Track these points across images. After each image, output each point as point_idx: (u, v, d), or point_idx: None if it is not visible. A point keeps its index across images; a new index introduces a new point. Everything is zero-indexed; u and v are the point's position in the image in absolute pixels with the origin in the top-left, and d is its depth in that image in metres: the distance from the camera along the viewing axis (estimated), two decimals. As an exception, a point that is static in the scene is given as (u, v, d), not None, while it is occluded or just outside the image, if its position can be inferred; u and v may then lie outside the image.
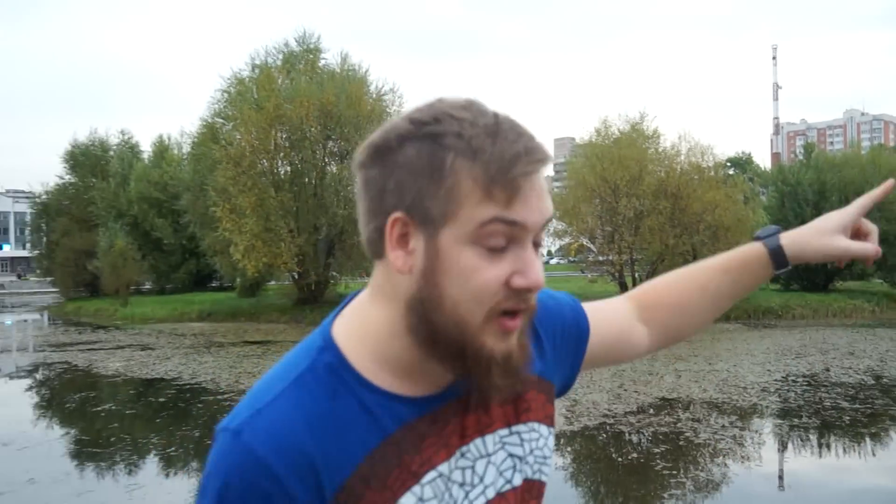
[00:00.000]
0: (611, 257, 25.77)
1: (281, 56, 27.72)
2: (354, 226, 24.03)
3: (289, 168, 26.29)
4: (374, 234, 0.88)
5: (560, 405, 10.71)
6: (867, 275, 32.77)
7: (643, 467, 7.70)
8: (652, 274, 25.97)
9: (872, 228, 1.20)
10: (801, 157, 44.78)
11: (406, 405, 0.90)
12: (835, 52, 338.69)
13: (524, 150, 0.83)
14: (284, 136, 25.52)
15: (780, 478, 7.58)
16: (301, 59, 27.88)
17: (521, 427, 1.00)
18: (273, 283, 27.85)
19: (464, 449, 0.93)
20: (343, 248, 25.69)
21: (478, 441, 0.95)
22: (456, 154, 0.82)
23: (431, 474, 0.90)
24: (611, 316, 1.23)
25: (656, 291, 1.28)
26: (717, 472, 7.55)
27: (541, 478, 1.03)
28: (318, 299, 25.84)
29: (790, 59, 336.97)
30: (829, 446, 8.65)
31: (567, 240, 29.81)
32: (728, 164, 43.12)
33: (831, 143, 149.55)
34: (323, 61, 28.31)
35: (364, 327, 0.93)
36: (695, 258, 26.18)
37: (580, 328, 1.15)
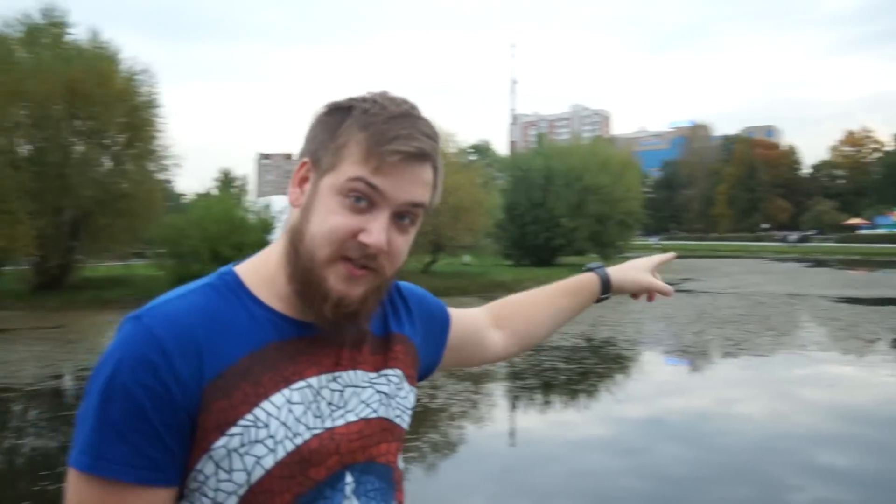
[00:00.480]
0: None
1: (24, 28, 25.33)
2: (102, 207, 22.31)
3: (31, 147, 24.21)
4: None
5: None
6: (584, 251, 36.18)
7: None
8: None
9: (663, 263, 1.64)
10: (534, 146, 48.13)
11: (289, 324, 1.06)
12: (564, 52, 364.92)
13: (404, 137, 1.01)
14: (26, 114, 23.45)
15: (511, 435, 8.05)
16: (46, 34, 25.64)
17: (388, 371, 1.15)
18: (10, 268, 25.61)
19: (336, 374, 1.07)
20: (89, 230, 24.09)
21: (350, 372, 1.09)
22: (353, 121, 1.02)
23: (301, 383, 1.03)
24: (469, 317, 1.45)
25: (510, 306, 1.52)
26: (454, 434, 7.87)
27: (401, 424, 1.17)
28: (60, 284, 24.09)
29: (526, 57, 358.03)
30: (550, 403, 9.47)
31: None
32: (470, 150, 45.34)
33: (559, 133, 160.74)
34: (70, 37, 26.23)
35: (263, 260, 1.11)
36: (437, 237, 27.66)
37: (444, 318, 1.37)
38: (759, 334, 14.45)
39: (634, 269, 1.57)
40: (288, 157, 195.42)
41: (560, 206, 34.84)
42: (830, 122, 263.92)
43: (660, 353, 13.49)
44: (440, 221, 26.41)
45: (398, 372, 1.17)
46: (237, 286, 1.07)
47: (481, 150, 72.22)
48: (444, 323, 1.36)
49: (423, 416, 8.39)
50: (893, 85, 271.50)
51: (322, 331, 1.06)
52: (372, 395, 1.11)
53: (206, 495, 0.99)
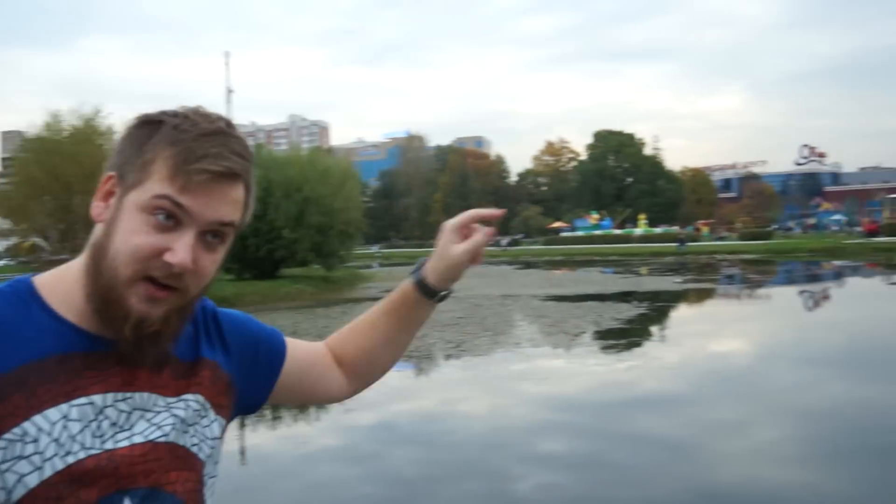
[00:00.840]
0: (65, 256, 24.35)
1: None
2: None
3: None
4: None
5: None
6: (308, 262, 36.15)
7: None
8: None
9: (470, 218, 1.28)
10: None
11: (79, 336, 1.00)
12: (279, 63, 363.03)
13: (213, 156, 0.98)
14: None
15: (242, 453, 7.76)
16: None
17: (188, 396, 1.08)
18: None
19: (127, 395, 1.01)
20: None
21: (144, 395, 1.03)
22: (161, 137, 0.98)
23: (83, 400, 0.97)
24: (308, 350, 1.35)
25: (341, 337, 1.37)
26: None
27: (198, 454, 1.08)
28: None
29: (242, 66, 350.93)
30: (280, 418, 9.20)
31: (14, 239, 27.30)
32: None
33: (278, 143, 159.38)
34: None
35: (62, 271, 1.07)
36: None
37: (276, 348, 1.28)
38: (478, 335, 15.20)
39: (442, 250, 1.27)
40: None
41: (280, 218, 34.42)
42: (533, 133, 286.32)
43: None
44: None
45: (199, 398, 1.10)
46: (29, 294, 1.02)
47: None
48: (275, 354, 1.28)
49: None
50: (584, 100, 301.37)
51: (118, 348, 1.00)
52: (166, 418, 1.04)
53: None
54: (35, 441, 0.92)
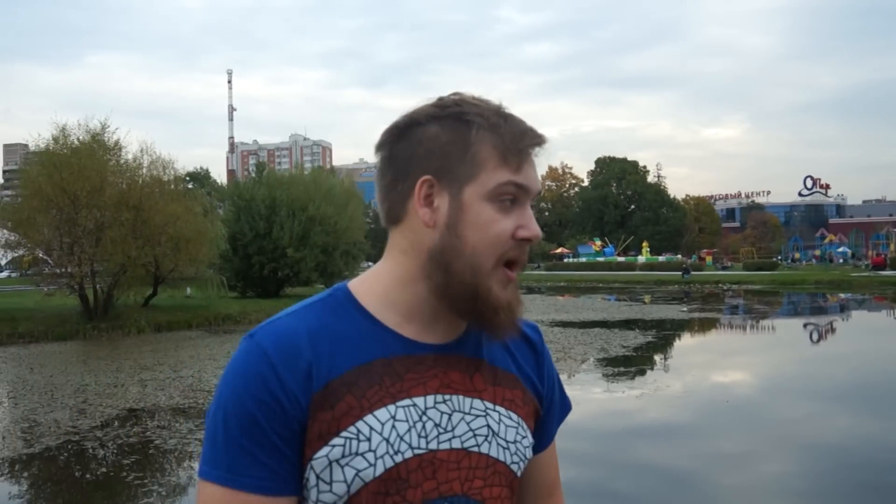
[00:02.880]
0: (70, 269, 24.38)
1: None
2: None
3: None
4: (397, 198, 1.06)
5: (16, 427, 10.06)
6: (311, 282, 36.17)
7: (112, 481, 7.57)
8: (115, 286, 25.25)
9: None
10: (253, 175, 47.40)
11: (400, 342, 1.05)
12: (282, 83, 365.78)
13: (529, 129, 1.05)
14: None
15: None
16: None
17: (501, 410, 1.10)
18: None
19: (446, 397, 1.05)
20: None
21: (461, 398, 1.06)
22: (478, 127, 1.02)
23: (407, 401, 1.02)
24: (552, 466, 1.31)
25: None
26: (184, 476, 7.63)
27: (517, 472, 1.11)
28: None
29: (244, 85, 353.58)
30: None
31: (21, 252, 27.33)
32: (187, 178, 43.75)
33: (279, 163, 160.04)
34: None
35: (376, 277, 1.10)
36: (157, 268, 26.24)
37: (559, 417, 1.31)
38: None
39: None
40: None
41: (285, 237, 34.53)
42: (536, 158, 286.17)
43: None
44: (159, 252, 25.13)
45: (513, 416, 1.12)
46: (348, 301, 1.08)
47: (200, 178, 70.02)
48: (554, 423, 1.30)
49: (154, 459, 8.10)
50: (587, 126, 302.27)
51: (440, 350, 1.06)
52: (482, 426, 1.07)
53: None
54: (368, 439, 0.99)
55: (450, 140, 1.03)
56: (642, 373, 14.07)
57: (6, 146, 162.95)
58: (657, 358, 16.38)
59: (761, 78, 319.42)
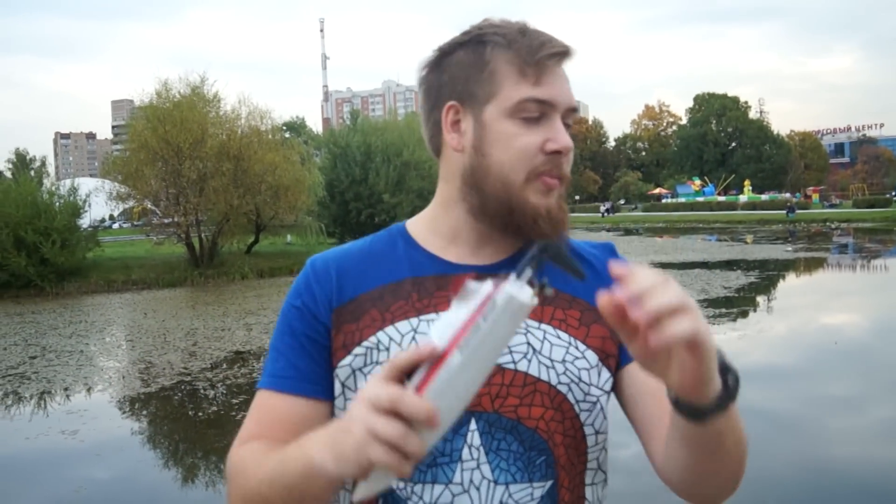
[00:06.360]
0: (176, 219, 25.32)
1: None
2: None
3: None
4: (433, 128, 1.09)
5: (134, 368, 10.61)
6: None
7: (222, 419, 7.87)
8: (219, 234, 26.13)
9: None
10: (348, 122, 47.75)
11: (437, 263, 1.08)
12: (374, 29, 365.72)
13: (548, 40, 1.02)
14: None
15: None
16: None
17: (547, 328, 1.04)
18: None
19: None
20: None
21: None
22: (494, 45, 1.02)
23: (432, 315, 1.03)
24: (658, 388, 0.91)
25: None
26: None
27: (566, 393, 1.02)
28: None
29: (337, 33, 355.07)
30: None
31: (131, 203, 28.56)
32: (284, 127, 44.51)
33: (373, 109, 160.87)
34: None
35: (427, 210, 1.15)
36: (258, 217, 26.97)
37: None
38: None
39: None
40: (91, 136, 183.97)
41: (381, 183, 34.85)
42: (631, 97, 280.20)
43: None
44: (259, 200, 25.76)
45: (563, 336, 1.04)
46: (398, 232, 1.14)
47: (296, 127, 71.03)
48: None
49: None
50: (684, 63, 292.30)
51: (497, 268, 1.00)
52: (521, 344, 1.02)
53: (333, 414, 1.06)
54: (387, 349, 1.02)
55: (470, 62, 1.03)
56: (744, 314, 13.72)
57: (114, 102, 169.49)
58: (760, 299, 15.94)
59: (876, 1, 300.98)
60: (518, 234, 1.05)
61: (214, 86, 27.56)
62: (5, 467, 6.76)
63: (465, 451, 0.98)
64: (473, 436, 0.98)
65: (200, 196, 25.17)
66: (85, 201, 25.45)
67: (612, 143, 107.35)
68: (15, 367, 10.98)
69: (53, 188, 25.90)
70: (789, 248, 28.12)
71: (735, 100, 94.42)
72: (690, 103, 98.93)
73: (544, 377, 1.01)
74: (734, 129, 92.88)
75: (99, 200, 27.81)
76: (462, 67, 1.04)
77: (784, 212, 52.39)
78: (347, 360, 1.03)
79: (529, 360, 1.01)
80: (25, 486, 6.24)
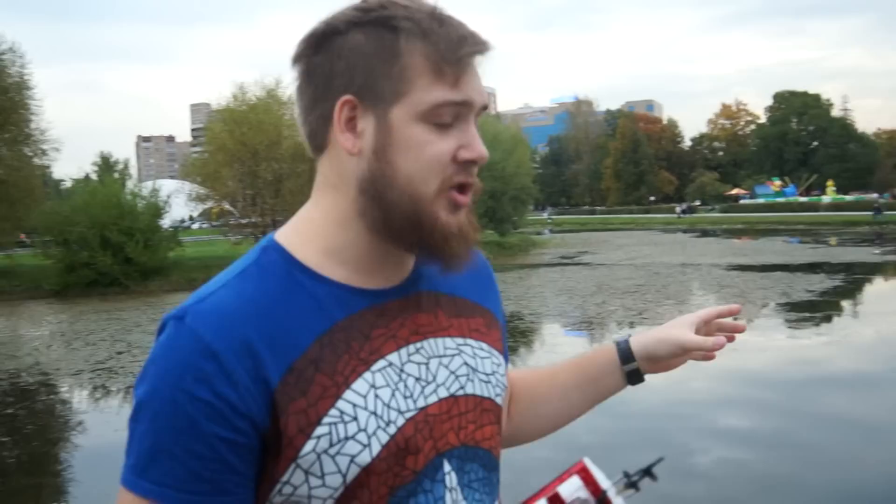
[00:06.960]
0: (253, 219, 25.86)
1: None
2: None
3: None
4: (317, 122, 0.90)
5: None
6: (480, 227, 36.53)
7: None
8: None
9: (710, 315, 1.21)
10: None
11: (354, 295, 0.91)
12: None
13: (468, 34, 0.88)
14: None
15: None
16: None
17: (471, 342, 1.00)
18: None
19: (418, 345, 0.93)
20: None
21: (432, 341, 0.95)
22: (408, 35, 0.85)
23: (381, 363, 0.89)
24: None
25: (518, 372, 1.25)
26: None
27: (500, 403, 1.03)
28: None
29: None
30: None
31: (209, 204, 29.31)
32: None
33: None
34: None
35: (309, 223, 0.94)
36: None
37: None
38: (660, 303, 14.89)
39: (669, 326, 1.18)
40: (170, 139, 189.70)
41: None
42: (707, 96, 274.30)
43: (562, 326, 13.75)
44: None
45: (483, 346, 1.01)
46: (284, 260, 0.90)
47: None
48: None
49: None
50: (763, 60, 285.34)
51: (398, 294, 0.93)
52: (461, 366, 0.96)
53: None
54: (354, 419, 0.85)
55: (374, 51, 0.86)
56: (829, 319, 13.32)
57: (192, 106, 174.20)
58: (846, 304, 15.44)
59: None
60: (427, 254, 0.91)
61: (289, 88, 27.96)
62: (96, 458, 6.99)
63: (448, 497, 0.92)
64: (450, 477, 0.92)
65: (276, 197, 25.64)
66: (166, 202, 26.20)
67: (687, 143, 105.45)
68: (103, 361, 11.37)
69: (136, 189, 26.68)
70: (877, 251, 27.18)
71: (816, 97, 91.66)
72: (769, 101, 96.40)
73: (487, 394, 0.99)
74: (816, 128, 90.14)
75: (179, 201, 28.64)
76: (363, 56, 0.86)
77: (871, 213, 50.57)
78: (309, 445, 0.84)
79: (472, 381, 0.97)
80: (116, 476, 6.43)
